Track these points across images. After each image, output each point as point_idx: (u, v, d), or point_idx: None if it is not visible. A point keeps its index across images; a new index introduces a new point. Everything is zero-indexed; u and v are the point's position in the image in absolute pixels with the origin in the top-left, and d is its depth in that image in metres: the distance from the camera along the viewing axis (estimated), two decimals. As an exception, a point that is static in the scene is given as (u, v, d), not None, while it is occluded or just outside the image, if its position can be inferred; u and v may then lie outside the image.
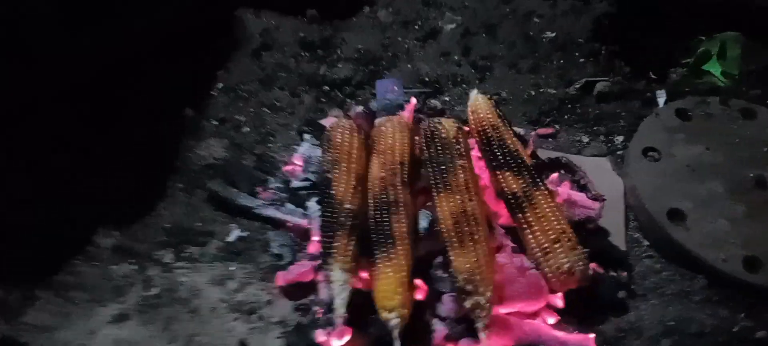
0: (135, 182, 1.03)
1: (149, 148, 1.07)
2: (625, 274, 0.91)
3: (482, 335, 0.76)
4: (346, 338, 0.82)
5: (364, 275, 0.86)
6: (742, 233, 0.89)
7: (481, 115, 0.93)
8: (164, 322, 0.86)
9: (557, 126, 1.12)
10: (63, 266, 0.93)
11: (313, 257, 0.91)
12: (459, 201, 0.84)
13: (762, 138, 1.00)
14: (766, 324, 0.85)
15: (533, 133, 1.06)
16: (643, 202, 0.94)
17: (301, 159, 1.04)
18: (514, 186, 0.88)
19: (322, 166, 0.92)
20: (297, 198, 0.98)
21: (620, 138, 1.09)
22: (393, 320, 0.77)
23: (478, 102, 0.94)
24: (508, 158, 0.90)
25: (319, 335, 0.82)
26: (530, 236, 0.86)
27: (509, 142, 0.92)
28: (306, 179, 1.00)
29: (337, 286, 0.80)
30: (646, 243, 0.95)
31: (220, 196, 1.00)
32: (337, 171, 0.89)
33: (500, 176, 0.90)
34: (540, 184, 0.88)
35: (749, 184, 0.95)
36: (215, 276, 0.91)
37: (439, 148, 0.90)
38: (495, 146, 0.91)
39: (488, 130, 0.91)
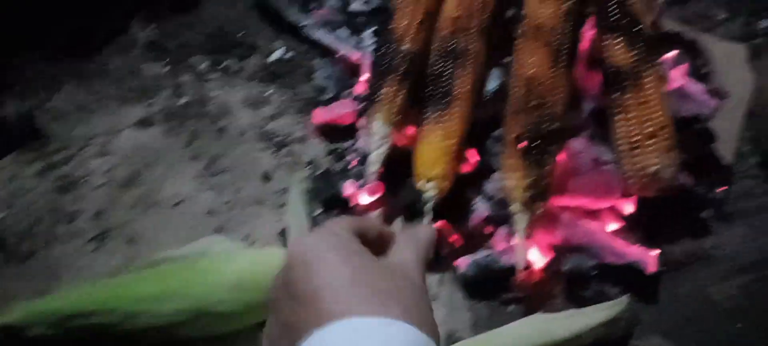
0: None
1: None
2: (722, 190, 0.89)
3: (519, 239, 0.78)
4: (375, 196, 0.87)
5: (411, 130, 0.88)
6: None
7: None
8: (189, 135, 0.94)
9: (691, -11, 1.04)
10: (92, 55, 1.01)
11: (358, 98, 0.94)
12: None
13: None
14: None
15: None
16: (768, 110, 0.89)
17: (367, -24, 1.03)
18: (622, 58, 0.83)
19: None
20: (354, 24, 0.99)
21: (766, 23, 1.00)
22: (429, 191, 0.80)
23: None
24: (624, 21, 0.84)
25: (347, 187, 0.88)
26: (623, 123, 0.83)
27: (631, 1, 0.85)
28: (368, 2, 1.00)
29: (376, 138, 0.83)
30: (755, 160, 0.91)
31: (269, 3, 1.02)
32: (403, 0, 0.88)
33: (607, 41, 0.85)
34: (653, 63, 0.83)
35: None
36: (250, 97, 0.97)
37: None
38: (612, 2, 0.85)
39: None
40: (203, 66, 1.00)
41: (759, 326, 0.80)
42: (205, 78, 0.99)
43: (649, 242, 0.84)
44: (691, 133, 0.90)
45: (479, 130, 0.87)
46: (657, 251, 0.82)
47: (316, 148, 0.93)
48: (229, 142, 0.93)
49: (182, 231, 0.87)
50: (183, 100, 0.97)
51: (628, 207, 0.86)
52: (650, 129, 0.81)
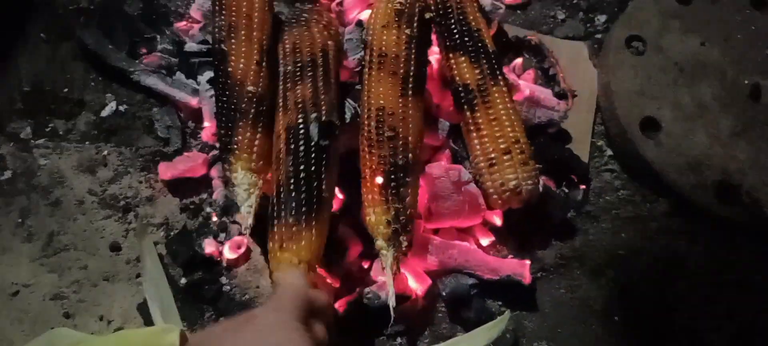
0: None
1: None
2: (582, 188, 0.92)
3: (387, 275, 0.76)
4: (242, 249, 0.83)
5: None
6: (722, 155, 0.90)
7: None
8: (19, 214, 0.85)
9: (530, -7, 1.07)
10: None
11: (205, 147, 0.89)
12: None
13: (768, 35, 0.99)
14: (724, 262, 0.88)
15: (503, 7, 1.01)
16: (614, 105, 0.94)
17: (200, 14, 0.97)
18: (468, 76, 0.86)
19: (215, 32, 0.86)
20: (189, 67, 0.93)
21: (603, 18, 1.05)
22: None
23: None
24: (466, 39, 0.87)
25: (208, 246, 0.83)
26: (477, 142, 0.85)
27: (471, 18, 0.88)
28: (204, 42, 0.94)
29: (241, 190, 0.78)
30: (609, 153, 0.95)
31: (92, 50, 0.94)
32: (234, 41, 0.83)
33: (453, 61, 0.87)
34: (499, 77, 0.86)
35: (743, 93, 0.94)
36: (84, 160, 0.89)
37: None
38: (452, 21, 0.87)
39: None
40: (25, 132, 0.90)
41: (634, 315, 0.84)
42: (29, 145, 0.90)
43: (522, 252, 0.87)
44: (546, 139, 0.93)
45: (341, 164, 0.85)
46: (529, 261, 0.84)
47: (168, 207, 0.87)
48: (67, 215, 0.85)
49: (24, 324, 0.78)
50: (6, 175, 0.87)
51: (496, 220, 0.87)
52: (504, 145, 0.83)
